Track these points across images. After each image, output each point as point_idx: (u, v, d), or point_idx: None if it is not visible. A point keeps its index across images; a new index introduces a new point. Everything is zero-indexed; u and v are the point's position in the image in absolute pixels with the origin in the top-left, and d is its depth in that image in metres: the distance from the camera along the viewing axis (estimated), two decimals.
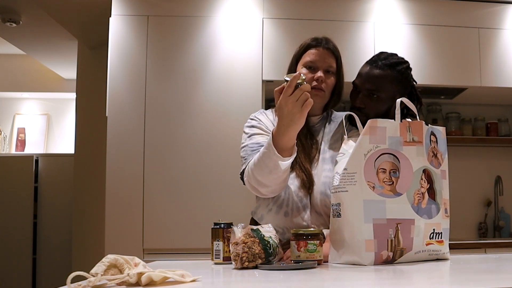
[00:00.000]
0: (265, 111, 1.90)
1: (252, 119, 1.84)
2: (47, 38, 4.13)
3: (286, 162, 1.53)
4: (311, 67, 1.75)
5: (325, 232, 1.61)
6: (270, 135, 1.53)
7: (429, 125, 1.54)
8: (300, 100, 1.43)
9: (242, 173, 1.74)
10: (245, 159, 1.72)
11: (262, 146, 1.67)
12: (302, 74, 1.45)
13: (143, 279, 0.99)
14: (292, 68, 1.80)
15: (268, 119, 1.83)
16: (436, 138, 1.55)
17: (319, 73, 1.74)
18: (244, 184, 1.73)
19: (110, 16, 3.20)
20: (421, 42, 3.40)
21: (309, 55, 1.76)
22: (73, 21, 3.82)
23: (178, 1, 3.25)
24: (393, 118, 1.48)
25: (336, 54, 1.78)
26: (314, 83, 1.73)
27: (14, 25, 3.77)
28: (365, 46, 3.31)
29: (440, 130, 1.58)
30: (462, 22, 3.45)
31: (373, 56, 1.81)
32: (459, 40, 3.43)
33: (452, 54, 3.42)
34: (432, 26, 3.42)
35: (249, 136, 1.77)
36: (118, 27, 3.19)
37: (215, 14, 3.25)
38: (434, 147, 1.53)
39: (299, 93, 1.43)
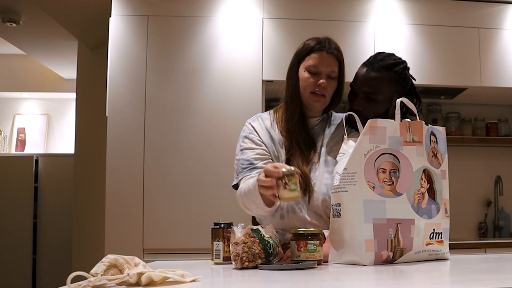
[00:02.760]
0: (261, 115, 1.88)
1: (244, 131, 1.84)
2: (47, 38, 4.13)
3: (267, 209, 1.61)
4: (314, 72, 1.74)
5: (325, 232, 1.61)
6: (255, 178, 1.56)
7: (429, 125, 1.55)
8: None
9: (234, 186, 1.79)
10: (236, 174, 1.78)
11: (252, 164, 1.73)
12: (292, 168, 1.43)
13: (143, 279, 0.99)
14: (294, 69, 1.78)
15: (263, 125, 1.82)
16: (436, 138, 1.55)
17: (322, 80, 1.73)
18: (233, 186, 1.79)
19: (110, 16, 3.20)
20: (421, 42, 3.40)
21: (312, 59, 1.74)
22: (73, 21, 3.82)
23: (178, 1, 3.25)
24: (392, 119, 1.48)
25: (339, 59, 1.77)
26: (316, 88, 1.73)
27: (14, 25, 3.77)
28: (365, 46, 3.31)
29: (440, 130, 1.58)
30: (462, 22, 3.45)
31: (370, 57, 1.79)
32: (459, 40, 3.43)
33: (452, 54, 3.41)
34: (432, 26, 3.42)
35: (241, 150, 1.80)
36: (118, 27, 3.19)
37: (215, 14, 3.25)
38: (434, 147, 1.53)
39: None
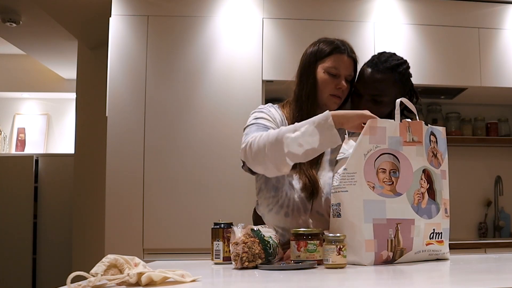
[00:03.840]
0: (273, 105, 1.85)
1: (260, 109, 1.79)
2: (47, 38, 4.13)
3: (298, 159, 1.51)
4: (334, 74, 1.73)
5: (326, 232, 1.60)
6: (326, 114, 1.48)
7: (429, 125, 1.55)
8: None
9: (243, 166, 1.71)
10: (246, 134, 1.66)
11: (269, 129, 1.64)
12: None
13: (143, 279, 0.99)
14: (311, 69, 1.75)
15: (277, 112, 1.79)
16: (436, 138, 1.55)
17: (343, 83, 1.73)
18: (242, 167, 1.70)
19: (110, 16, 3.20)
20: (421, 42, 3.40)
21: (333, 61, 1.74)
22: (73, 21, 3.82)
23: (178, 1, 3.25)
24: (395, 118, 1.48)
25: (355, 63, 1.78)
26: (336, 91, 1.73)
27: (14, 25, 3.77)
28: (365, 46, 3.30)
29: (440, 130, 1.58)
30: (462, 22, 3.45)
31: (373, 58, 1.78)
32: (459, 40, 3.43)
33: (452, 54, 3.41)
34: (432, 26, 3.42)
35: (255, 118, 1.72)
36: (118, 27, 3.19)
37: (215, 14, 3.25)
38: (434, 147, 1.53)
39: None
